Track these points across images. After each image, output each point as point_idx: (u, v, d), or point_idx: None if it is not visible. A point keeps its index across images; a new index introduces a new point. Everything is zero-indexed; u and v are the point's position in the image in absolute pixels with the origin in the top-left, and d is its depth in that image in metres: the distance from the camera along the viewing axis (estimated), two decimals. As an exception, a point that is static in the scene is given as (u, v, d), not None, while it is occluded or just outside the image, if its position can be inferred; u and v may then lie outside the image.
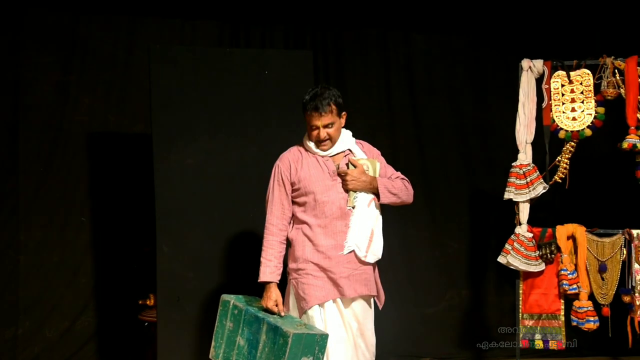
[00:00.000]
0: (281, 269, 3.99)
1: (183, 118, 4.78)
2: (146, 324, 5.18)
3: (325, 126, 3.93)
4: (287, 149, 4.09)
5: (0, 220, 5.49)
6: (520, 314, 5.16)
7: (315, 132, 3.94)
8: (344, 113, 4.03)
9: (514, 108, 5.12)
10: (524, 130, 5.10)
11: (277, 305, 3.91)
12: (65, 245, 5.66)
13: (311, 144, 3.99)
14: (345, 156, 4.03)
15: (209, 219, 4.83)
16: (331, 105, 3.92)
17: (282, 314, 3.89)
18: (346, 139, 4.06)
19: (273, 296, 3.92)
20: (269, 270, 3.93)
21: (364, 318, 3.99)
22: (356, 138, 6.21)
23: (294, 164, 3.98)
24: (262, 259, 3.96)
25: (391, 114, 6.45)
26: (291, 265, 3.99)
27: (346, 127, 6.24)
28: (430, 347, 6.29)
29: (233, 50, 5.26)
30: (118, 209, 5.77)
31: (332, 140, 3.97)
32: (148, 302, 5.23)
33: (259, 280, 3.95)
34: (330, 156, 4.01)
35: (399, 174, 4.18)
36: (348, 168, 3.99)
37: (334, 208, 3.92)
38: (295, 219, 4.01)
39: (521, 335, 5.16)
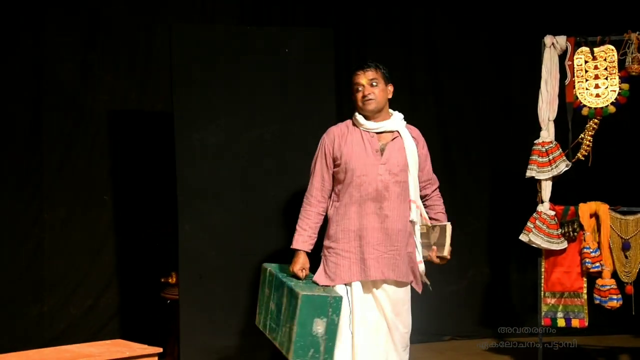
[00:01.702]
0: (314, 239, 4.00)
1: (204, 96, 4.78)
2: (168, 301, 5.22)
3: (370, 83, 3.90)
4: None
5: (25, 199, 5.54)
6: (542, 292, 5.14)
7: (359, 93, 3.91)
8: (390, 84, 4.00)
9: (537, 85, 5.07)
10: (547, 108, 5.06)
11: (302, 270, 3.94)
12: (89, 223, 5.70)
13: (359, 117, 3.94)
14: (392, 139, 3.93)
15: (230, 198, 4.85)
16: (376, 67, 3.94)
17: (305, 278, 3.93)
18: (397, 120, 3.99)
19: (300, 262, 3.95)
20: (302, 239, 3.96)
21: (397, 300, 3.92)
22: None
23: (339, 139, 3.94)
24: (297, 227, 3.98)
25: (413, 92, 6.42)
26: (324, 241, 3.99)
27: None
28: (451, 325, 6.31)
29: (254, 28, 5.25)
30: (140, 188, 5.81)
31: (377, 100, 3.91)
32: (170, 280, 5.27)
33: (291, 247, 3.99)
34: (377, 133, 3.94)
35: (433, 176, 4.15)
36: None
37: (369, 189, 3.87)
38: (334, 196, 4.00)
39: (543, 313, 5.14)
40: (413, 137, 4.01)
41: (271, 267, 4.17)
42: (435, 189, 4.17)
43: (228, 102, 4.82)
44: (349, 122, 4.02)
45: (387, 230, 3.88)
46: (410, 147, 3.96)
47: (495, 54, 6.43)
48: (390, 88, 4.01)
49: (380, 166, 3.88)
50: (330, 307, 3.71)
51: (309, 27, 5.94)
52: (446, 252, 3.97)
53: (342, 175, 3.92)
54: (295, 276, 3.95)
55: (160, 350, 4.16)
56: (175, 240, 4.78)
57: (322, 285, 3.89)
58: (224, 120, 4.81)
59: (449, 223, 4.03)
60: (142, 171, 5.80)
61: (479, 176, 6.44)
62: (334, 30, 5.24)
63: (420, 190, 4.06)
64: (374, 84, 3.92)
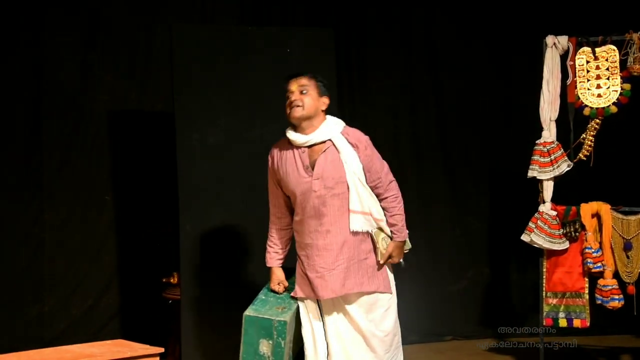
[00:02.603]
0: (285, 252, 3.99)
1: (204, 96, 4.78)
2: (170, 301, 5.21)
3: (300, 90, 3.73)
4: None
5: (25, 199, 5.53)
6: (544, 293, 5.14)
7: (288, 100, 3.76)
8: (325, 97, 3.80)
9: (538, 85, 5.07)
10: (548, 108, 5.05)
11: (279, 285, 3.96)
12: (89, 223, 5.70)
13: (290, 133, 3.78)
14: (324, 151, 3.75)
15: (230, 197, 4.84)
16: (310, 77, 3.78)
17: (285, 291, 3.94)
18: (327, 129, 3.76)
19: (275, 278, 3.98)
20: (270, 256, 4.00)
21: (367, 308, 3.82)
22: (378, 117, 6.30)
23: (277, 159, 3.84)
24: (267, 246, 4.02)
25: (412, 91, 6.42)
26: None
27: (368, 106, 6.32)
28: (452, 325, 6.30)
29: (254, 28, 5.24)
30: (141, 188, 5.81)
31: (304, 107, 3.70)
32: (172, 280, 5.26)
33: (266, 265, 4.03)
34: (307, 146, 3.75)
35: (386, 173, 3.89)
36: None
37: (307, 207, 3.76)
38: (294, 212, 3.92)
39: (545, 313, 5.14)
40: (350, 142, 3.77)
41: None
42: (388, 189, 3.90)
43: (228, 102, 4.82)
44: (284, 139, 3.85)
45: (330, 246, 3.75)
46: (347, 155, 3.74)
47: (496, 54, 6.43)
48: (326, 101, 3.80)
49: (314, 182, 3.73)
50: (275, 330, 3.71)
51: (309, 27, 5.94)
52: (379, 257, 3.84)
53: (288, 194, 3.87)
54: (274, 291, 3.97)
55: (162, 350, 4.16)
56: (176, 240, 4.77)
57: (288, 301, 3.87)
58: (224, 120, 4.81)
59: (376, 230, 3.84)
60: (143, 171, 5.80)
61: (479, 176, 6.44)
62: (334, 30, 5.24)
63: (374, 192, 3.87)
64: (304, 91, 3.74)
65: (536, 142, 5.09)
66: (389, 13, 6.36)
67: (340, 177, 3.74)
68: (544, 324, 5.14)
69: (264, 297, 3.91)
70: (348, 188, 3.75)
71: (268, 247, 4.02)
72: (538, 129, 5.09)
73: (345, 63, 6.15)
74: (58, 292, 5.58)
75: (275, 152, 3.86)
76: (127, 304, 5.76)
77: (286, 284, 3.98)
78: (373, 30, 6.34)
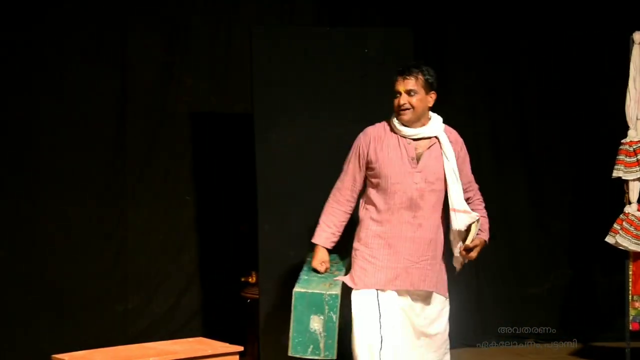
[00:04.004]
0: (338, 237, 3.97)
1: (284, 97, 4.81)
2: (249, 300, 5.26)
3: (408, 92, 3.78)
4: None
5: (109, 200, 5.66)
6: (630, 296, 5.01)
7: (396, 100, 3.81)
8: (432, 92, 3.85)
9: (625, 83, 4.94)
10: (635, 106, 4.96)
11: (322, 264, 3.93)
12: (171, 222, 5.80)
13: (396, 123, 3.83)
14: (430, 146, 3.82)
15: (309, 198, 4.84)
16: (418, 74, 3.80)
17: (325, 272, 3.91)
18: (435, 125, 3.85)
19: (319, 256, 3.95)
20: (325, 235, 3.94)
21: (429, 309, 3.84)
22: (457, 117, 6.22)
23: (375, 142, 3.84)
24: (320, 222, 3.96)
25: (491, 90, 6.33)
26: (354, 243, 3.91)
27: (448, 105, 6.24)
28: (533, 328, 6.18)
29: (333, 29, 5.25)
30: (221, 188, 5.88)
31: (413, 110, 3.77)
32: (250, 280, 5.31)
33: (312, 240, 3.97)
34: (414, 139, 3.81)
35: (472, 177, 4.00)
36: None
37: (404, 197, 3.77)
38: (366, 198, 3.90)
39: (631, 317, 5.01)
40: (451, 140, 3.87)
41: (309, 257, 4.12)
42: (477, 193, 4.03)
43: (307, 103, 4.84)
44: (386, 124, 3.88)
45: (419, 240, 3.79)
46: (449, 154, 3.83)
47: (582, 50, 6.28)
48: (433, 96, 3.86)
49: (416, 174, 3.77)
50: (327, 304, 3.66)
51: (387, 26, 5.92)
52: (469, 241, 3.81)
53: (376, 180, 3.83)
54: (316, 270, 3.93)
55: (242, 349, 4.20)
56: (254, 239, 4.82)
57: (333, 280, 3.84)
58: (303, 120, 4.82)
59: (475, 214, 3.84)
60: (223, 172, 5.87)
61: (561, 176, 6.31)
62: (412, 29, 5.20)
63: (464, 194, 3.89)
64: (412, 93, 3.78)
65: (622, 141, 4.98)
66: (467, 10, 6.29)
67: (441, 173, 3.81)
68: (631, 328, 5.02)
69: (306, 277, 3.86)
70: (446, 186, 3.80)
71: (324, 224, 3.96)
72: (624, 128, 4.96)
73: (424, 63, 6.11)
74: (141, 291, 5.70)
75: (374, 135, 3.87)
76: (208, 303, 5.84)
77: (329, 265, 3.95)
78: (451, 29, 6.27)
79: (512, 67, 6.34)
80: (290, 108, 4.81)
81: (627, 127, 4.97)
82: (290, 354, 3.72)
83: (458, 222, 3.81)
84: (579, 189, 6.30)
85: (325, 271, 3.93)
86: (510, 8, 6.32)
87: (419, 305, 3.83)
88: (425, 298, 3.85)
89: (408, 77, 3.79)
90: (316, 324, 3.67)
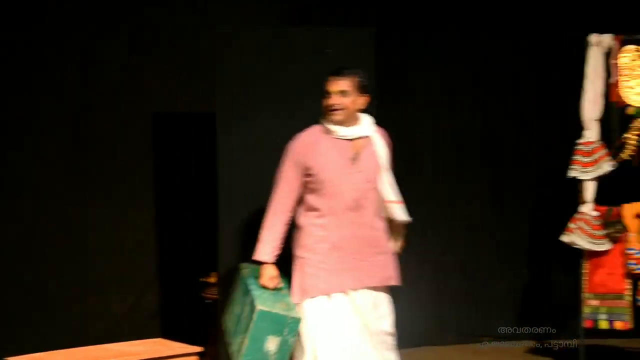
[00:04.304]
0: (280, 250, 3.90)
1: (246, 97, 4.79)
2: (208, 301, 5.23)
3: (340, 93, 3.77)
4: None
5: (69, 199, 5.59)
6: (584, 294, 5.09)
7: (327, 100, 3.80)
8: (365, 95, 3.85)
9: (581, 84, 5.02)
10: (591, 107, 5.03)
11: (271, 281, 3.82)
12: (131, 223, 5.75)
13: (332, 125, 3.81)
14: (365, 145, 3.83)
15: (269, 198, 4.84)
16: (351, 76, 3.79)
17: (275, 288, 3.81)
18: (367, 124, 3.87)
19: (267, 273, 3.82)
20: (268, 249, 3.83)
21: (378, 304, 3.86)
22: (419, 117, 6.28)
23: (310, 148, 3.80)
24: (261, 237, 3.84)
25: (453, 91, 6.38)
26: (297, 251, 3.85)
27: (408, 106, 6.30)
28: (490, 327, 6.26)
29: (296, 29, 5.25)
30: (182, 188, 5.85)
31: (345, 110, 3.76)
32: (210, 280, 5.28)
33: (254, 258, 3.85)
34: (350, 140, 3.81)
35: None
36: None
37: (346, 198, 3.77)
38: (305, 204, 3.84)
39: (585, 315, 5.09)
40: (382, 140, 3.92)
41: (246, 269, 4.01)
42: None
43: (269, 103, 4.82)
44: (318, 128, 3.85)
45: (365, 238, 3.81)
46: (382, 151, 3.87)
47: (539, 53, 6.37)
48: (365, 99, 3.86)
49: (355, 174, 3.78)
50: (287, 326, 3.61)
51: (350, 27, 5.94)
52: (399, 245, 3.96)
53: (315, 185, 3.79)
54: (264, 287, 3.81)
55: (201, 349, 4.19)
56: (215, 239, 4.80)
57: (286, 299, 3.76)
58: (265, 120, 4.81)
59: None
60: (184, 172, 5.84)
61: (520, 176, 6.39)
62: (375, 30, 5.22)
63: None
64: (345, 94, 3.78)
65: (578, 141, 5.05)
66: (428, 12, 6.33)
67: (378, 172, 3.84)
68: (584, 325, 5.10)
69: (259, 293, 3.75)
70: (382, 182, 3.85)
71: (266, 239, 3.83)
72: (581, 129, 5.04)
73: (386, 63, 6.14)
74: (100, 292, 5.64)
75: (308, 140, 3.82)
76: (167, 304, 5.80)
77: (278, 280, 3.86)
78: (413, 29, 6.31)
79: (473, 67, 6.40)
80: (252, 108, 4.80)
81: (583, 128, 5.04)
82: None
83: (398, 212, 3.88)
84: (538, 188, 6.39)
85: (275, 288, 3.83)
86: (471, 9, 6.38)
87: (370, 303, 3.83)
88: (376, 295, 3.86)
89: (341, 78, 3.79)
90: (271, 345, 3.61)
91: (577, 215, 5.05)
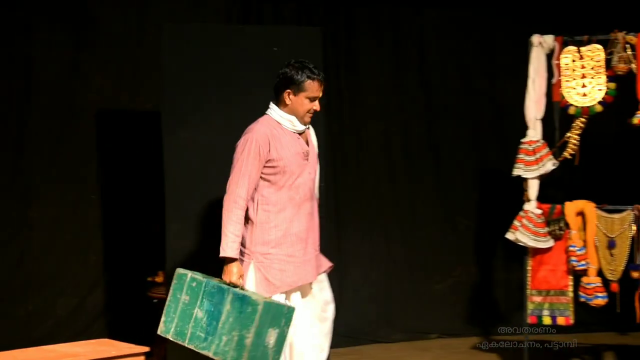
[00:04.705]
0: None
1: (194, 95, 4.77)
2: (155, 300, 5.20)
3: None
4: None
5: (13, 198, 5.52)
6: (528, 291, 5.17)
7: (312, 104, 3.80)
8: None
9: (524, 84, 5.09)
10: (534, 107, 5.08)
11: (240, 278, 3.75)
12: (76, 222, 5.69)
13: (290, 118, 3.80)
14: (306, 140, 3.89)
15: (218, 197, 4.81)
16: None
17: (245, 287, 3.76)
18: None
19: (237, 270, 3.73)
20: (235, 245, 3.70)
21: (327, 289, 3.97)
22: (367, 116, 6.32)
23: (273, 140, 3.75)
24: (229, 233, 3.69)
25: (402, 91, 6.43)
26: (256, 248, 3.79)
27: (358, 105, 6.33)
28: (437, 323, 6.32)
29: (244, 27, 5.25)
30: (128, 187, 5.80)
31: None
32: (157, 279, 5.24)
33: (222, 255, 3.70)
34: (300, 134, 3.85)
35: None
36: None
37: (305, 189, 3.81)
38: (262, 198, 3.78)
39: (529, 311, 5.16)
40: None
41: (193, 274, 3.86)
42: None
43: (217, 101, 4.81)
44: (270, 120, 3.83)
45: (316, 228, 3.92)
46: (316, 142, 3.98)
47: (484, 53, 6.47)
48: None
49: (308, 166, 3.85)
50: (284, 317, 3.57)
51: (298, 26, 5.95)
52: None
53: (277, 177, 3.76)
54: (234, 285, 3.71)
55: (147, 349, 4.14)
56: (162, 239, 4.76)
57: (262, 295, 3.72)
58: (213, 119, 4.79)
59: None
60: (131, 170, 5.79)
61: (467, 175, 6.47)
62: (324, 29, 5.23)
63: None
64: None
65: (521, 140, 5.12)
66: (378, 12, 6.37)
67: (317, 163, 3.97)
68: (529, 321, 5.17)
69: (239, 290, 3.67)
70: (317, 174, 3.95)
71: (233, 235, 3.69)
72: (525, 128, 5.11)
73: (334, 62, 6.17)
74: (44, 292, 5.57)
75: (270, 133, 3.77)
76: (113, 304, 5.75)
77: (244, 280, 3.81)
78: (363, 30, 6.34)
79: (421, 67, 6.46)
80: (200, 106, 4.77)
81: (527, 127, 5.11)
82: None
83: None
84: (484, 187, 6.47)
85: (241, 286, 3.74)
86: (420, 9, 6.43)
87: (318, 288, 3.92)
88: (321, 282, 3.94)
89: (324, 84, 3.85)
90: (271, 338, 3.54)
91: (521, 213, 5.12)
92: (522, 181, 5.14)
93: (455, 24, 6.46)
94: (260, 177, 3.78)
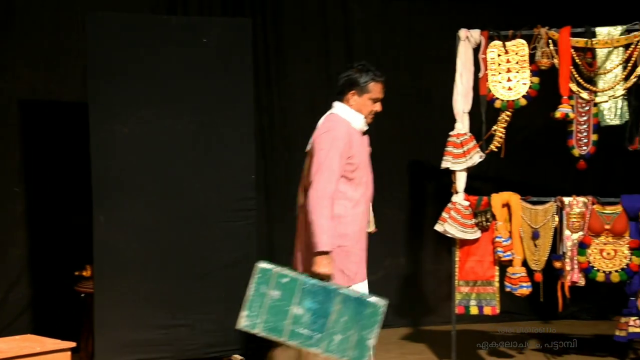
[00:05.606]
0: None
1: (122, 87, 4.70)
2: (83, 295, 5.10)
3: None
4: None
5: None
6: (456, 281, 5.25)
7: (375, 106, 3.94)
8: None
9: (452, 78, 5.16)
10: (461, 100, 5.15)
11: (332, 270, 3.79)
12: (-3, 215, 5.55)
13: (359, 118, 3.91)
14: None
15: (149, 190, 4.78)
16: None
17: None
18: None
19: (329, 263, 3.69)
20: (331, 240, 3.70)
21: None
22: (297, 109, 6.31)
23: (351, 137, 3.85)
24: (326, 227, 3.67)
25: (330, 83, 6.44)
26: (338, 240, 3.78)
27: (287, 97, 6.32)
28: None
29: (171, 17, 5.18)
30: (53, 179, 5.67)
31: None
32: (84, 273, 5.15)
33: (321, 249, 3.66)
34: (363, 134, 4.00)
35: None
36: None
37: (372, 188, 3.97)
38: (339, 194, 3.79)
39: (457, 301, 5.25)
40: None
41: (279, 269, 3.69)
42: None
43: (144, 92, 4.75)
44: (341, 119, 3.89)
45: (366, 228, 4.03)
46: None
47: (412, 46, 6.52)
48: None
49: (370, 165, 4.00)
50: (381, 315, 3.63)
51: (226, 17, 5.90)
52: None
53: (354, 175, 3.84)
54: (326, 279, 3.66)
55: (74, 344, 4.08)
56: (89, 232, 4.68)
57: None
58: (143, 111, 4.73)
59: None
60: (56, 162, 5.66)
61: (395, 167, 6.51)
62: (252, 20, 5.20)
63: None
64: None
65: (449, 133, 5.19)
66: (305, 3, 6.37)
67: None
68: (456, 311, 5.25)
69: (340, 287, 3.65)
70: None
71: (330, 228, 3.68)
72: (453, 121, 5.18)
73: (264, 54, 6.14)
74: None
75: (347, 130, 3.86)
76: (38, 299, 5.62)
77: None
78: (290, 21, 6.33)
79: (349, 59, 6.45)
80: (125, 97, 4.71)
81: (454, 121, 5.19)
82: None
83: None
84: (414, 179, 6.54)
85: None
86: (347, 1, 6.46)
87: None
88: None
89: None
90: (374, 338, 3.62)
91: (449, 205, 5.19)
92: (450, 173, 5.21)
93: (382, 16, 6.49)
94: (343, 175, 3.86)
